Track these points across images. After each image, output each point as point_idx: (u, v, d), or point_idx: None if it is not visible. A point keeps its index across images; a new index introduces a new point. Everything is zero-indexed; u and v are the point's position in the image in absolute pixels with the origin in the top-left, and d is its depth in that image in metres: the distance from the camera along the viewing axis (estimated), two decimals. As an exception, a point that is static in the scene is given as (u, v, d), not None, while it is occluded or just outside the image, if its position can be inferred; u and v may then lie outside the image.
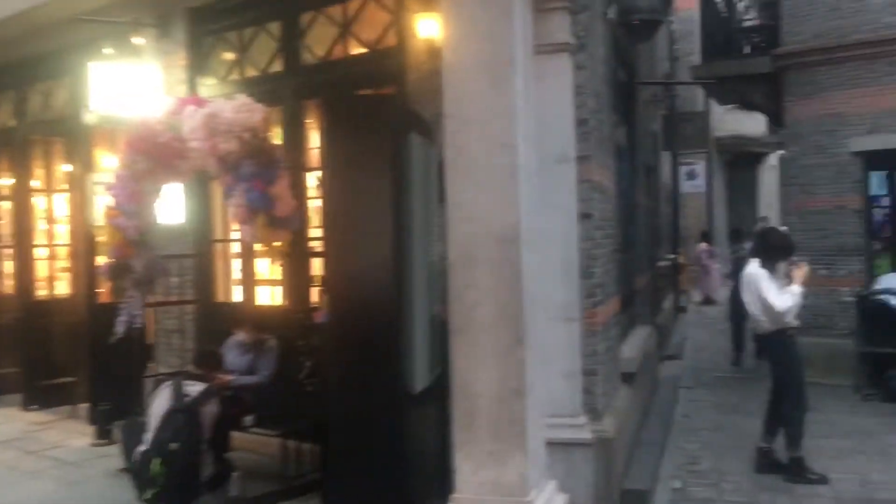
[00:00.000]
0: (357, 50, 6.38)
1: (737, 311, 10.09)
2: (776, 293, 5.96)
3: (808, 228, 10.16)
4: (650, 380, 8.62)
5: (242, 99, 5.35)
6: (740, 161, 24.69)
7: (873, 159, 9.95)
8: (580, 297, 5.06)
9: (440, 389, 4.26)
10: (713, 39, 11.98)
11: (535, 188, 4.14)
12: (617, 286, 6.54)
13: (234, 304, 7.15)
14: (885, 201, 10.49)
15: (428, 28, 5.49)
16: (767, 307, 6.00)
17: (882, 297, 8.96)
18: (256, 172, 5.21)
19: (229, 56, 7.27)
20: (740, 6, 12.07)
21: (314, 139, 6.67)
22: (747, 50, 11.65)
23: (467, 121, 3.75)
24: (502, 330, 3.75)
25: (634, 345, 7.21)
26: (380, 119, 4.34)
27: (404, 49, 5.81)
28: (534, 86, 4.32)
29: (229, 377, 5.83)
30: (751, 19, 11.92)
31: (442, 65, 3.88)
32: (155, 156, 5.47)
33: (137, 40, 7.21)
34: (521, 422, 3.76)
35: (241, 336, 6.26)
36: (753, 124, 23.66)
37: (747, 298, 6.26)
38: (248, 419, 5.93)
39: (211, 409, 5.08)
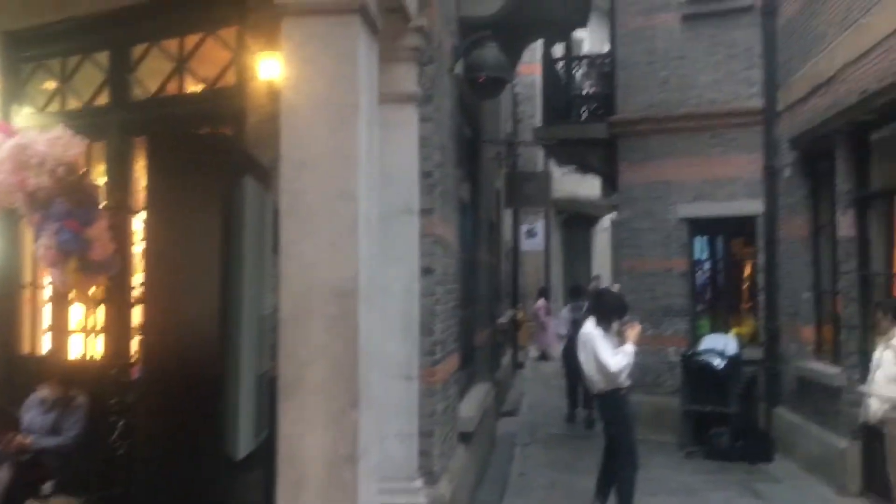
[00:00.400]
0: (193, 87, 6.01)
1: (571, 367, 10.25)
2: (611, 353, 6.05)
3: (639, 289, 10.56)
4: (488, 438, 8.54)
5: (58, 131, 4.87)
6: (576, 221, 25.73)
7: (697, 225, 10.53)
8: (420, 354, 4.89)
9: (267, 454, 3.92)
10: (554, 104, 12.42)
11: (376, 240, 3.95)
12: (457, 343, 6.43)
13: (41, 356, 6.44)
14: (708, 265, 11.13)
15: (269, 69, 5.24)
16: (602, 367, 6.07)
17: (704, 357, 9.36)
18: (70, 211, 4.73)
19: (50, 85, 6.68)
20: (579, 75, 12.61)
21: (143, 178, 6.20)
22: (585, 116, 12.15)
23: (306, 166, 3.51)
24: (336, 391, 3.48)
25: (473, 403, 7.11)
26: (212, 160, 4.03)
27: (244, 89, 5.52)
28: (378, 134, 4.16)
29: (26, 439, 5.18)
30: (589, 87, 12.46)
31: (281, 107, 3.64)
32: (-49, 188, 4.86)
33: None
34: (353, 490, 3.49)
35: (45, 392, 5.62)
36: (589, 187, 24.79)
37: (583, 358, 6.31)
38: (48, 486, 5.28)
39: (2, 476, 4.47)
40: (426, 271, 5.09)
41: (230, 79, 5.74)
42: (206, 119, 5.88)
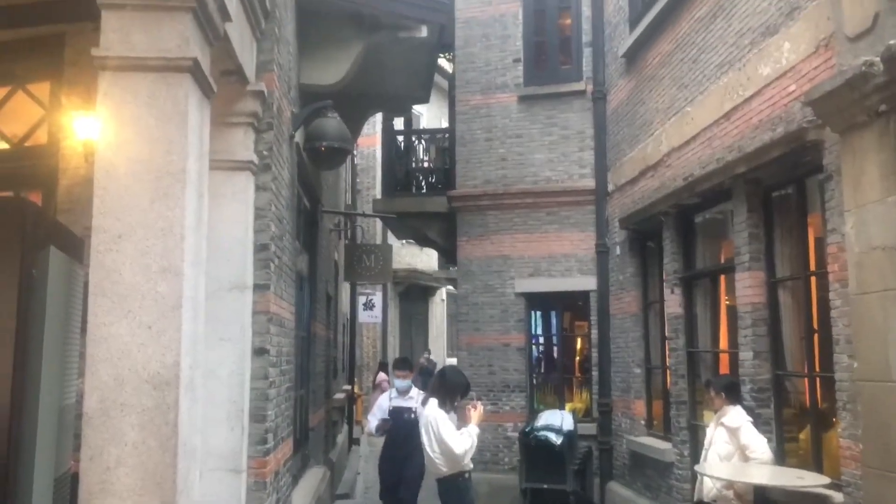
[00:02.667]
0: (-2, 145, 5.39)
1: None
2: (456, 436, 5.81)
3: (477, 364, 10.51)
4: (322, 526, 8.03)
5: None
6: (414, 293, 25.74)
7: (534, 300, 10.67)
8: (249, 444, 4.45)
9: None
10: (393, 176, 12.37)
11: (203, 320, 3.56)
12: (291, 427, 6.00)
13: None
14: (544, 340, 11.28)
15: (86, 127, 4.76)
16: (447, 451, 5.81)
17: (542, 433, 9.33)
18: None
19: None
20: (418, 148, 12.68)
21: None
22: (425, 189, 12.17)
23: (123, 239, 3.10)
24: (149, 496, 3.03)
25: (307, 490, 6.64)
26: (9, 227, 3.50)
27: (56, 149, 5.00)
28: (210, 204, 3.81)
29: None
30: (428, 161, 12.53)
31: (96, 164, 3.22)
32: None
33: None
34: None
35: None
36: (427, 258, 25.01)
37: (425, 440, 6.04)
38: None
39: None
40: (259, 352, 4.69)
41: (41, 137, 5.20)
42: (11, 181, 5.26)
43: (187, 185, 3.22)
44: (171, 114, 3.23)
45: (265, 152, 5.03)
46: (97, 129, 3.43)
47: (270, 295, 4.89)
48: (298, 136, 6.34)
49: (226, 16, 3.70)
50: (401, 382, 8.15)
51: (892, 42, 3.98)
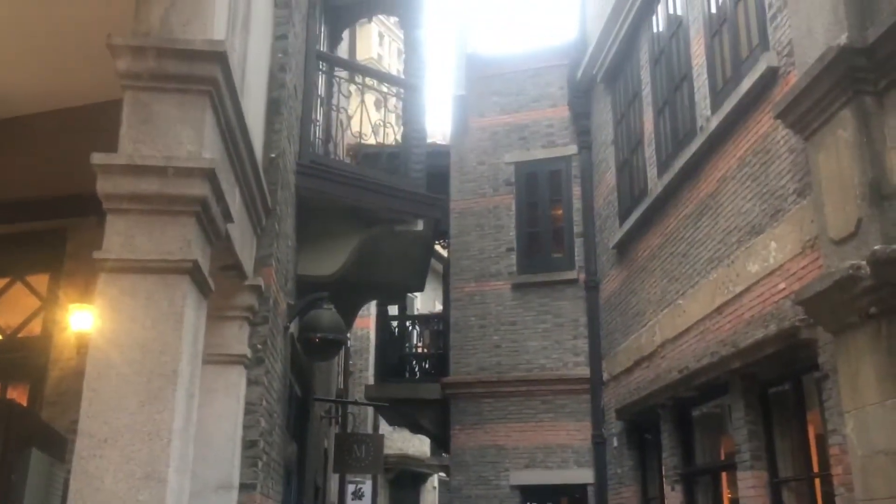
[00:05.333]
0: (-9, 335, 5.38)
1: None
2: None
3: (472, 562, 9.97)
4: None
5: None
6: (404, 480, 24.86)
7: (530, 493, 10.29)
8: None
9: None
10: (387, 362, 12.29)
11: (184, 529, 3.38)
12: None
13: None
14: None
15: (84, 321, 4.77)
16: None
17: None
18: None
19: None
20: (413, 333, 12.69)
21: None
22: (418, 375, 12.05)
23: (107, 443, 3.01)
24: None
25: None
26: (-7, 427, 3.42)
27: (50, 341, 4.98)
28: (200, 399, 3.74)
29: None
30: (422, 346, 12.50)
31: (87, 367, 3.19)
32: None
33: None
34: None
35: None
36: (418, 444, 24.34)
37: None
38: None
39: None
40: (242, 557, 4.45)
41: (35, 328, 5.19)
42: (1, 371, 5.21)
43: (178, 387, 3.18)
44: (167, 314, 3.24)
45: (259, 346, 5.02)
46: (92, 321, 3.44)
47: (257, 496, 4.70)
48: (293, 327, 6.35)
49: (228, 217, 3.81)
50: None
51: (877, 247, 4.09)
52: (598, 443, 9.83)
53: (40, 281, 5.24)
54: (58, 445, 3.88)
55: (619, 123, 9.76)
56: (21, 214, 5.04)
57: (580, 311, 10.50)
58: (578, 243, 10.79)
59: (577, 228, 10.84)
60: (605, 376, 9.86)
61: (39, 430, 3.80)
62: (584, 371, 10.22)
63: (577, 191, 10.94)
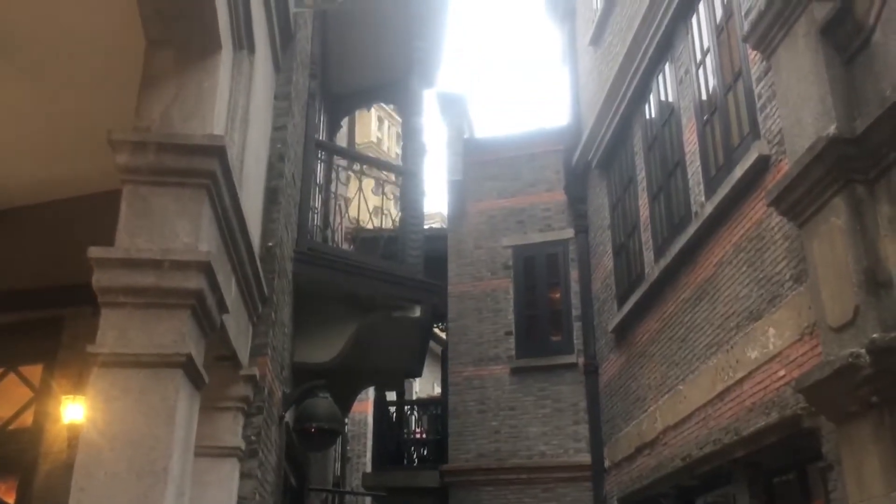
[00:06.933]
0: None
1: None
2: None
3: None
4: None
5: None
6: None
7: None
8: None
9: None
10: (385, 448, 12.10)
11: None
12: None
13: None
14: None
15: (74, 413, 4.70)
16: None
17: None
18: None
19: None
20: (411, 419, 12.52)
21: None
22: (416, 462, 11.84)
23: (93, 545, 2.93)
24: None
25: None
26: (-23, 528, 3.33)
27: (40, 434, 4.90)
28: (192, 493, 3.65)
29: None
30: (420, 432, 12.32)
31: (76, 465, 3.12)
32: None
33: None
34: None
35: None
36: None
37: None
38: None
39: None
40: None
41: (27, 420, 5.12)
42: (-12, 466, 5.11)
43: (168, 484, 3.11)
44: (159, 409, 3.19)
45: (253, 437, 4.93)
46: (83, 414, 3.38)
47: None
48: (289, 415, 6.26)
49: (224, 308, 3.79)
50: None
51: (875, 336, 4.07)
52: (602, 533, 9.59)
53: (34, 371, 5.19)
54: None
55: (615, 208, 9.85)
56: (16, 304, 5.03)
57: (580, 396, 10.38)
58: (577, 327, 10.75)
59: (576, 312, 10.82)
60: (607, 463, 9.67)
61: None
62: (585, 458, 10.04)
63: (574, 274, 10.97)
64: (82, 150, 4.71)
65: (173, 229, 3.44)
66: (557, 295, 11.33)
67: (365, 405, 19.96)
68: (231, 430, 4.77)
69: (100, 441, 3.11)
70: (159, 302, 3.32)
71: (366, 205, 7.69)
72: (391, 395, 13.16)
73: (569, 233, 11.23)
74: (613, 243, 9.77)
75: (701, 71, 7.23)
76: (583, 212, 11.05)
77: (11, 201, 5.24)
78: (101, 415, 3.15)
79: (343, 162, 8.21)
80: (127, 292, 3.29)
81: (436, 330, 13.19)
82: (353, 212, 8.53)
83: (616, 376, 9.47)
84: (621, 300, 9.20)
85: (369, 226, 8.21)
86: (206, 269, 3.36)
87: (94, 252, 3.27)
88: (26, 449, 4.89)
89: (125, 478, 3.06)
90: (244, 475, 4.79)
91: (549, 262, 11.37)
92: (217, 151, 3.54)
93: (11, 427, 5.13)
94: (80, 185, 5.06)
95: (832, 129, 4.51)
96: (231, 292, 4.21)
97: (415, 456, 12.08)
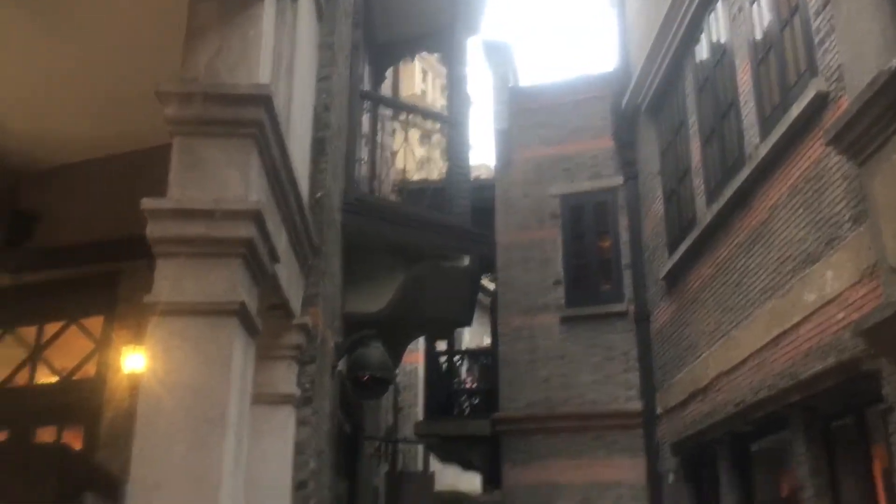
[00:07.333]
0: (46, 379, 5.47)
1: None
2: None
3: None
4: None
5: None
6: (456, 517, 24.55)
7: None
8: None
9: None
10: (435, 398, 12.22)
11: (235, 574, 3.36)
12: None
13: None
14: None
15: (137, 362, 4.83)
16: None
17: None
18: None
19: None
20: (461, 369, 12.62)
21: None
22: (468, 411, 11.95)
23: (159, 489, 3.02)
24: None
25: None
26: (47, 471, 3.46)
27: (104, 383, 5.05)
28: (249, 441, 3.74)
29: None
30: (471, 382, 12.42)
31: (137, 413, 3.21)
32: None
33: None
34: None
35: None
36: (469, 480, 24.07)
37: None
38: None
39: None
40: None
41: (90, 371, 5.27)
42: (57, 414, 5.30)
43: (227, 430, 3.18)
44: (215, 357, 3.25)
45: (307, 385, 5.02)
46: (143, 364, 3.46)
47: (307, 537, 4.67)
48: (341, 365, 6.34)
49: (275, 258, 3.83)
50: None
51: (939, 275, 3.95)
52: (654, 479, 9.59)
53: (94, 323, 5.33)
54: (113, 488, 3.91)
55: (665, 153, 9.66)
56: (76, 259, 5.15)
57: (631, 344, 10.32)
58: (627, 275, 10.64)
59: (625, 260, 10.70)
60: (659, 410, 9.64)
61: (93, 474, 3.84)
62: (637, 405, 10.01)
63: (623, 222, 10.82)
64: (135, 105, 4.75)
65: (223, 179, 3.47)
66: (606, 243, 11.21)
67: (416, 356, 20.18)
68: (286, 379, 4.85)
69: (160, 389, 3.19)
70: (212, 251, 3.36)
71: (412, 155, 7.67)
72: (441, 346, 13.26)
73: (617, 180, 11.06)
74: (664, 189, 9.60)
75: (755, 7, 6.98)
76: (632, 158, 10.85)
77: (70, 157, 5.35)
78: (160, 363, 3.22)
79: (388, 112, 8.16)
80: (180, 242, 3.34)
81: (484, 282, 13.19)
82: (399, 163, 8.52)
83: (667, 323, 9.38)
84: (672, 247, 9.06)
85: (415, 177, 8.19)
86: (256, 217, 3.39)
87: (147, 203, 3.32)
88: (90, 398, 5.04)
89: (185, 425, 3.13)
90: (300, 422, 4.89)
91: (597, 210, 11.23)
92: (263, 101, 3.54)
93: (76, 377, 5.29)
94: (134, 141, 5.13)
95: (894, 63, 4.32)
96: (282, 242, 4.25)
97: (466, 405, 12.19)
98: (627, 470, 9.83)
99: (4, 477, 3.46)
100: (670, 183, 9.39)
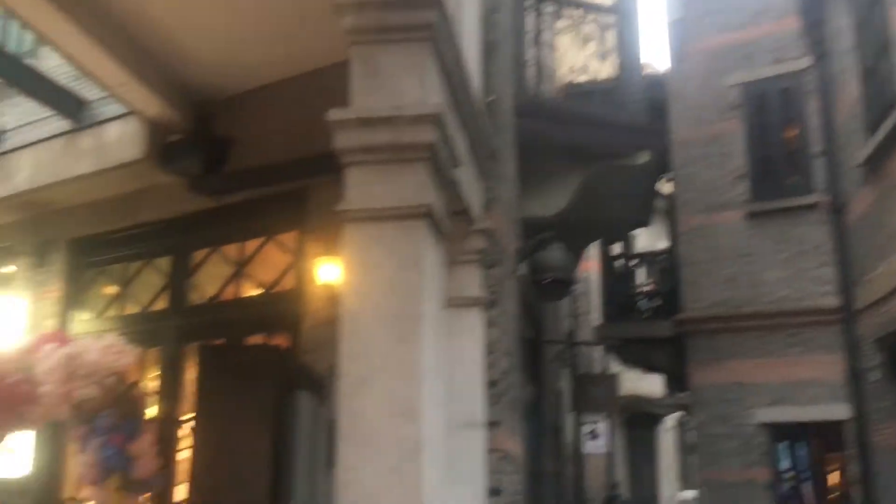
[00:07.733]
0: (250, 292, 5.88)
1: None
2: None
3: (720, 501, 9.69)
4: None
5: (111, 339, 4.68)
6: (638, 421, 24.58)
7: (779, 431, 9.78)
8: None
9: None
10: (614, 302, 12.12)
11: (441, 463, 3.54)
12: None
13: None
14: (790, 476, 10.21)
15: (328, 273, 5.08)
16: None
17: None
18: (115, 425, 4.44)
19: (110, 290, 6.65)
20: (639, 272, 12.40)
21: (194, 386, 5.94)
22: (648, 314, 11.78)
23: (366, 383, 3.19)
24: None
25: None
26: (264, 372, 3.76)
27: (302, 294, 5.36)
28: (444, 343, 3.87)
29: None
30: (649, 284, 12.19)
31: (340, 315, 3.38)
32: (-1, 399, 4.64)
33: (7, 268, 6.55)
34: None
35: None
36: (650, 384, 23.89)
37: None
38: None
39: None
40: (493, 492, 4.59)
41: (288, 283, 5.61)
42: (262, 324, 5.70)
43: (424, 328, 3.29)
44: (408, 258, 3.35)
45: (492, 288, 5.09)
46: (336, 273, 3.63)
47: (502, 432, 4.83)
48: (520, 269, 6.39)
49: (456, 162, 3.86)
50: None
51: None
52: (855, 376, 9.12)
53: (289, 239, 5.63)
54: (319, 387, 4.19)
55: (859, 27, 8.79)
56: (269, 178, 5.43)
57: (823, 238, 9.72)
58: (817, 164, 9.94)
59: (816, 148, 9.98)
60: (859, 305, 9.07)
61: (303, 373, 4.13)
62: (832, 301, 9.49)
63: (813, 106, 10.06)
64: (311, 25, 4.87)
65: (402, 85, 3.50)
66: (793, 132, 10.49)
67: (588, 264, 20.03)
68: (472, 282, 4.94)
69: (360, 290, 3.33)
70: (397, 157, 3.42)
71: (580, 55, 7.43)
72: (615, 252, 13.05)
73: (803, 63, 10.23)
74: (859, 67, 8.78)
75: None
76: (820, 37, 9.97)
77: (258, 81, 5.59)
78: (358, 268, 3.36)
79: (551, 8, 7.89)
80: (366, 150, 3.42)
81: (658, 185, 12.77)
82: (566, 63, 8.27)
83: (866, 213, 8.72)
84: (872, 129, 8.32)
85: (583, 78, 7.94)
86: (437, 121, 3.40)
87: (333, 115, 3.41)
88: (291, 308, 5.36)
89: (386, 321, 3.27)
90: (489, 324, 4.99)
91: (782, 97, 10.48)
92: (436, 3, 3.51)
93: (276, 290, 5.65)
94: (312, 61, 5.27)
95: None
96: (460, 146, 4.27)
97: (645, 308, 12.00)
98: (825, 368, 9.40)
99: (228, 377, 3.79)
100: (867, 60, 8.57)
